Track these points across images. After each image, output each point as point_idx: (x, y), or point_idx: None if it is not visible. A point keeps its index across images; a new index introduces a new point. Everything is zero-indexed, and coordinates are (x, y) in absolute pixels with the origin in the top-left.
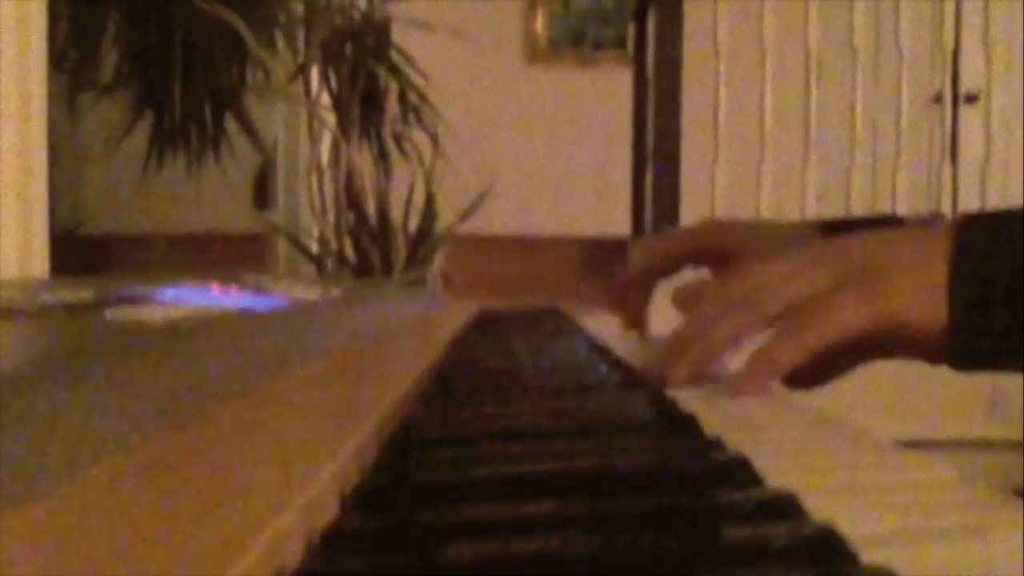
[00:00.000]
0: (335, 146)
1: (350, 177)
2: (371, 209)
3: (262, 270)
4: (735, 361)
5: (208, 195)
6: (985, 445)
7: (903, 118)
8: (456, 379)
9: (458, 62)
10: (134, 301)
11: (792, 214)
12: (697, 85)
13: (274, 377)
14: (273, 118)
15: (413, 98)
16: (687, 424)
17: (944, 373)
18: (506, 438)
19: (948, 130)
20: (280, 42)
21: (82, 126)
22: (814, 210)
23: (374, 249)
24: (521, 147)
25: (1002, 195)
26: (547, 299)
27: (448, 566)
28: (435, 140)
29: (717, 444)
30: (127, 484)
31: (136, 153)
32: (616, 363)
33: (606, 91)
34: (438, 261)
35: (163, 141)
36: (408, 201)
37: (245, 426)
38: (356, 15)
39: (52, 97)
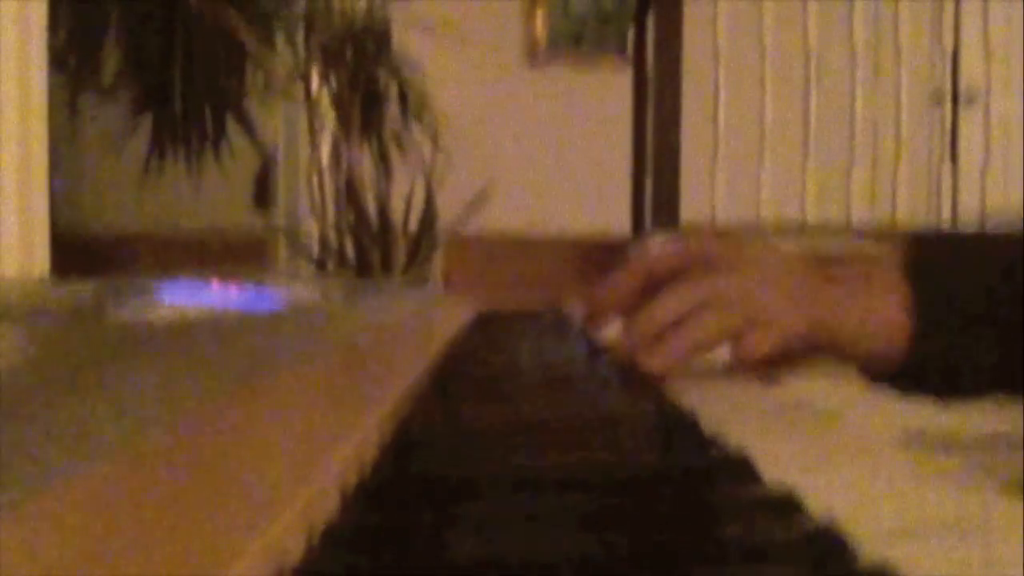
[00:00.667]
0: (335, 146)
1: (350, 177)
2: (371, 209)
3: (262, 270)
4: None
5: (208, 195)
6: (985, 445)
7: (903, 118)
8: (456, 378)
9: (458, 63)
10: (134, 301)
11: (792, 214)
12: (697, 85)
13: (274, 377)
14: (273, 117)
15: (413, 98)
16: (686, 422)
17: None
18: (506, 437)
19: (948, 130)
20: (280, 43)
21: (82, 126)
22: (814, 207)
23: (374, 249)
24: (521, 147)
25: (1002, 194)
26: (547, 299)
27: (448, 565)
28: (435, 140)
29: (717, 442)
30: (127, 484)
31: (136, 153)
32: (616, 363)
33: (606, 92)
34: (438, 261)
35: (163, 141)
36: (408, 201)
37: (245, 426)
38: (356, 17)
39: (52, 97)
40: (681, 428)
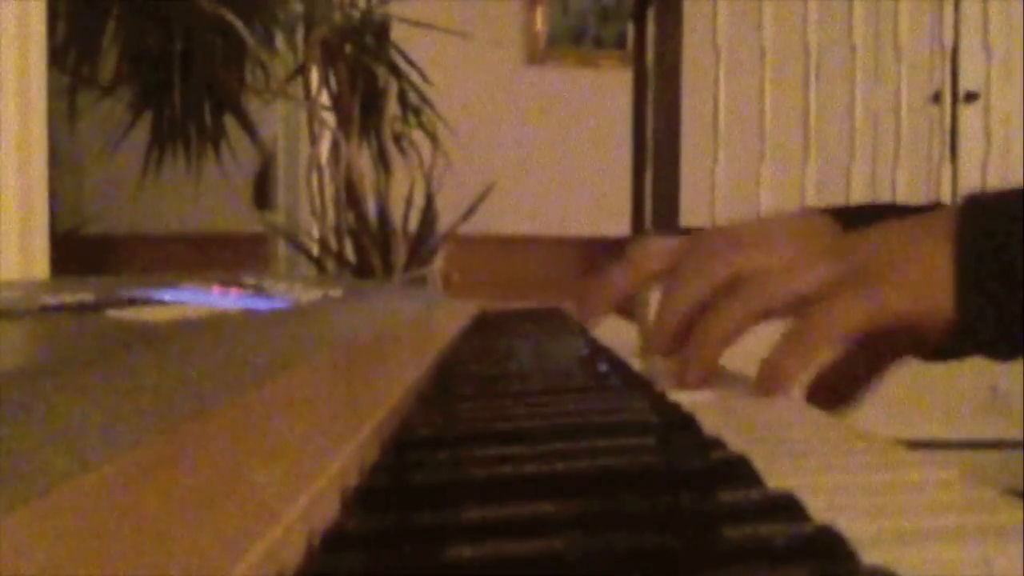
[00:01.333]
0: (335, 146)
1: (350, 177)
2: (371, 209)
3: (262, 270)
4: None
5: (208, 195)
6: (986, 445)
7: (903, 117)
8: (456, 379)
9: (458, 61)
10: (134, 301)
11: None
12: (697, 84)
13: (274, 377)
14: (273, 118)
15: (413, 98)
16: (686, 424)
17: (945, 373)
18: (506, 438)
19: (948, 129)
20: (279, 41)
21: (82, 126)
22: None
23: (374, 249)
24: (521, 146)
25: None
26: (547, 299)
27: (449, 567)
28: (435, 140)
29: (717, 443)
30: (127, 484)
31: (136, 153)
32: (616, 363)
33: (606, 90)
34: (438, 261)
35: (163, 141)
36: (408, 201)
37: (245, 426)
38: (355, 14)
39: (52, 96)
40: (681, 429)
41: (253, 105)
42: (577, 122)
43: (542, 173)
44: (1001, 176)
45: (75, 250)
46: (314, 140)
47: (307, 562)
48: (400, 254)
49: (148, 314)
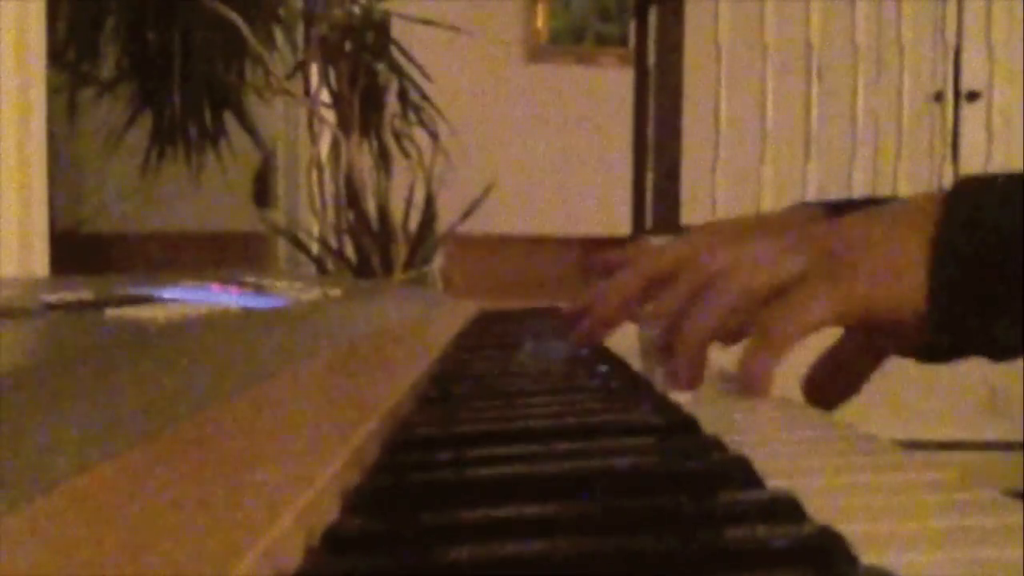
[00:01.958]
0: (335, 144)
1: (350, 176)
2: (371, 208)
3: (262, 270)
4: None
5: (208, 195)
6: (985, 446)
7: (904, 116)
8: (456, 379)
9: (458, 59)
10: (134, 300)
11: None
12: (698, 82)
13: (274, 377)
14: (273, 116)
15: (413, 96)
16: (687, 425)
17: (945, 373)
18: (506, 439)
19: (949, 128)
20: (279, 39)
21: (82, 124)
22: None
23: (374, 249)
24: (521, 145)
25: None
26: (547, 299)
27: (448, 567)
28: (435, 138)
29: (717, 445)
30: (127, 484)
31: (136, 151)
32: (616, 364)
33: (607, 88)
34: (438, 261)
35: (162, 139)
36: (408, 200)
37: (245, 426)
38: (356, 11)
39: (52, 94)
40: (681, 430)
41: (253, 103)
42: (578, 121)
43: (542, 173)
44: None
45: (75, 249)
46: (314, 138)
47: (307, 562)
48: (400, 253)
49: (148, 313)
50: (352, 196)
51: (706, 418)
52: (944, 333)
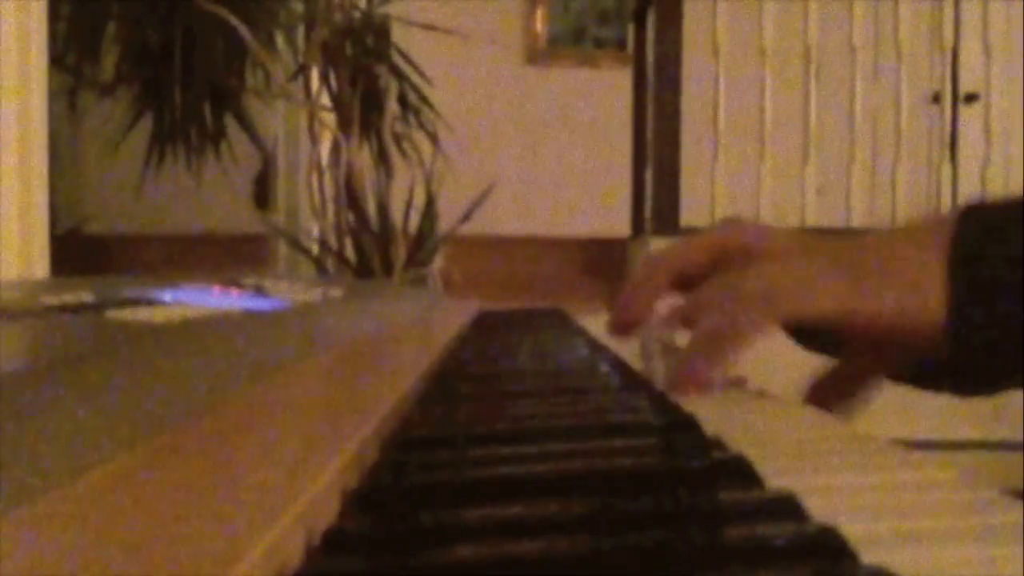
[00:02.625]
0: (335, 146)
1: (350, 177)
2: (371, 209)
3: (262, 270)
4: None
5: (208, 195)
6: (985, 446)
7: (903, 117)
8: (456, 379)
9: (458, 62)
10: (134, 301)
11: (792, 214)
12: (697, 84)
13: (274, 377)
14: (273, 118)
15: (413, 98)
16: (687, 424)
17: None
18: (506, 438)
19: (948, 129)
20: (280, 42)
21: (82, 126)
22: (814, 207)
23: (374, 249)
24: (521, 147)
25: (1002, 194)
26: (547, 299)
27: (449, 567)
28: (435, 140)
29: (717, 444)
30: (127, 484)
31: (136, 153)
32: (616, 364)
33: (606, 90)
34: (438, 261)
35: (163, 141)
36: (408, 201)
37: (245, 426)
38: (356, 15)
39: (52, 96)
40: (681, 430)
41: (253, 105)
42: (577, 122)
43: (542, 173)
44: (1001, 176)
45: (75, 250)
46: (314, 140)
47: (307, 562)
48: (400, 254)
49: (148, 314)
50: (352, 198)
51: (706, 417)
52: (961, 349)
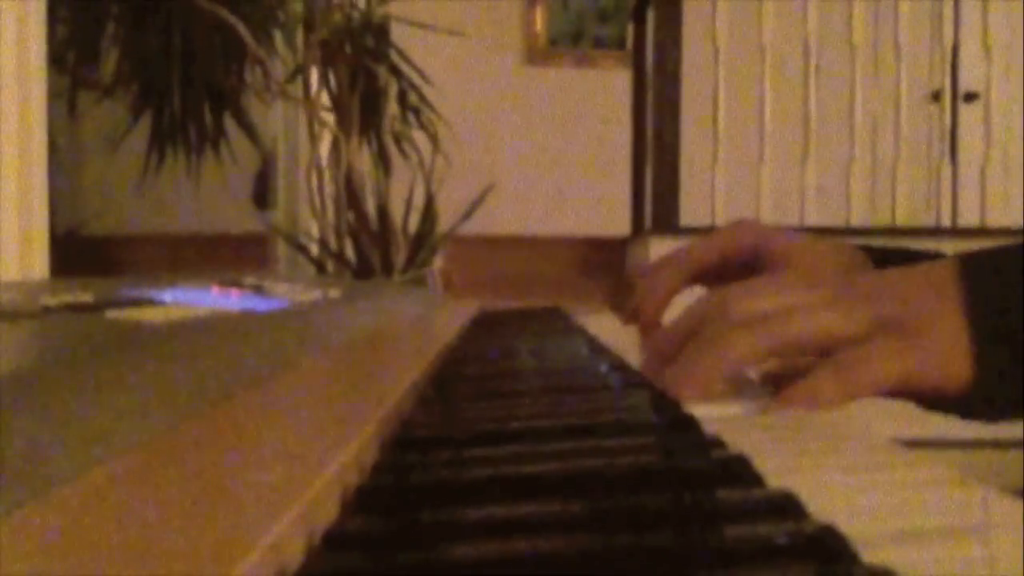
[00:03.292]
0: (335, 146)
1: (350, 177)
2: (371, 209)
3: (262, 270)
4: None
5: (208, 195)
6: (986, 445)
7: (902, 117)
8: (456, 379)
9: (457, 61)
10: (134, 301)
11: (792, 214)
12: (696, 83)
13: (274, 377)
14: (272, 118)
15: (413, 98)
16: (687, 424)
17: None
18: (506, 438)
19: (948, 128)
20: (279, 42)
21: (82, 126)
22: (814, 206)
23: (374, 249)
24: (521, 147)
25: (1002, 194)
26: (547, 299)
27: (449, 567)
28: (435, 140)
29: (717, 443)
30: (127, 484)
31: (136, 153)
32: (616, 363)
33: (605, 90)
34: (438, 261)
35: (163, 141)
36: (408, 201)
37: (245, 426)
38: (355, 14)
39: (52, 97)
40: (681, 429)
41: (253, 106)
42: (577, 122)
43: (542, 173)
44: (1001, 176)
45: (75, 250)
46: (314, 140)
47: (307, 562)
48: (400, 254)
49: (148, 314)
50: (352, 197)
51: (706, 417)
52: (983, 404)
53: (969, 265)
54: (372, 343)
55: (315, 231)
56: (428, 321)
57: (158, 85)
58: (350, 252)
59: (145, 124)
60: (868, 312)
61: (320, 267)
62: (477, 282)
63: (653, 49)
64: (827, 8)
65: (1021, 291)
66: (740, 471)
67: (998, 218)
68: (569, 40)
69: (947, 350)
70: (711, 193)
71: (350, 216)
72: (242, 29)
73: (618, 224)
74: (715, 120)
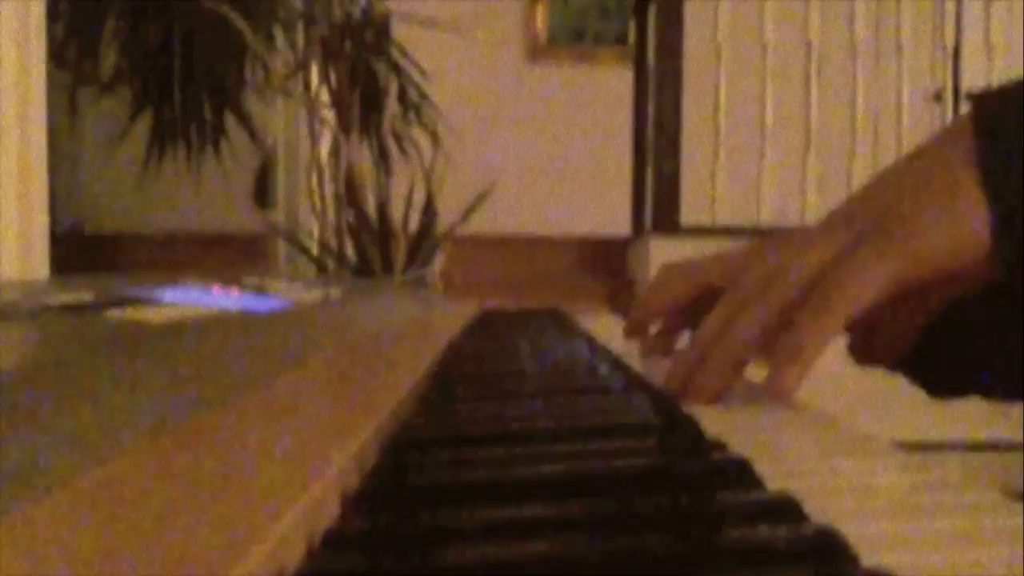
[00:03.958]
0: (335, 144)
1: (350, 176)
2: (371, 208)
3: (262, 270)
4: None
5: (208, 195)
6: (985, 446)
7: (904, 116)
8: (456, 380)
9: (458, 59)
10: (134, 301)
11: (792, 213)
12: (698, 81)
13: (274, 378)
14: (273, 116)
15: (413, 96)
16: (687, 425)
17: None
18: (506, 439)
19: None
20: (279, 39)
21: (82, 125)
22: (815, 205)
23: (374, 249)
24: (521, 145)
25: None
26: (547, 299)
27: (449, 568)
28: (435, 138)
29: (718, 446)
30: (127, 484)
31: (136, 151)
32: (616, 364)
33: (606, 88)
34: (438, 261)
35: (163, 139)
36: (408, 200)
37: (245, 427)
38: (355, 11)
39: (52, 94)
40: (681, 431)
41: (253, 103)
42: (577, 120)
43: (542, 173)
44: None
45: (75, 250)
46: (314, 138)
47: (307, 563)
48: (400, 254)
49: (148, 314)
50: (352, 196)
51: (707, 418)
52: (1016, 267)
53: (980, 111)
54: (372, 343)
55: (315, 230)
56: (428, 321)
57: (158, 82)
58: (350, 251)
59: (145, 121)
60: (845, 229)
61: (320, 266)
62: (477, 282)
63: (654, 46)
64: (829, 7)
65: None
66: (740, 474)
67: None
68: (570, 37)
69: (956, 224)
70: (711, 193)
71: (350, 215)
72: (242, 25)
73: (618, 224)
74: (716, 118)
